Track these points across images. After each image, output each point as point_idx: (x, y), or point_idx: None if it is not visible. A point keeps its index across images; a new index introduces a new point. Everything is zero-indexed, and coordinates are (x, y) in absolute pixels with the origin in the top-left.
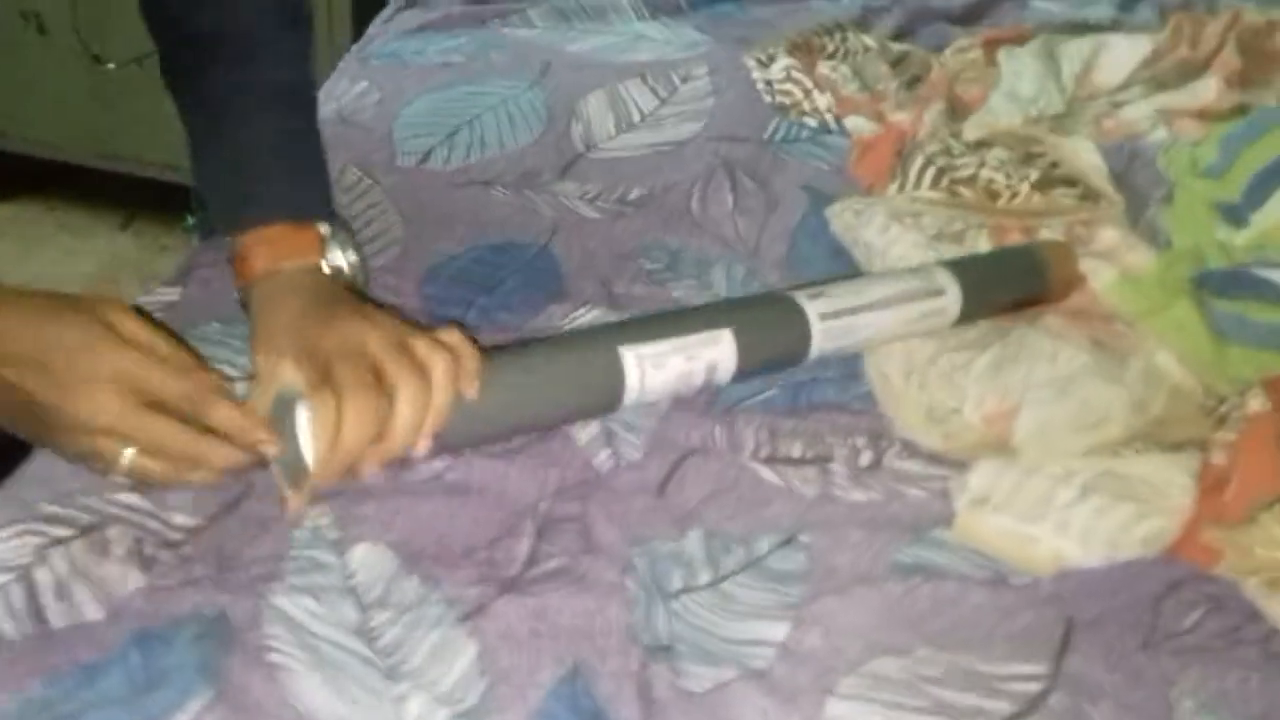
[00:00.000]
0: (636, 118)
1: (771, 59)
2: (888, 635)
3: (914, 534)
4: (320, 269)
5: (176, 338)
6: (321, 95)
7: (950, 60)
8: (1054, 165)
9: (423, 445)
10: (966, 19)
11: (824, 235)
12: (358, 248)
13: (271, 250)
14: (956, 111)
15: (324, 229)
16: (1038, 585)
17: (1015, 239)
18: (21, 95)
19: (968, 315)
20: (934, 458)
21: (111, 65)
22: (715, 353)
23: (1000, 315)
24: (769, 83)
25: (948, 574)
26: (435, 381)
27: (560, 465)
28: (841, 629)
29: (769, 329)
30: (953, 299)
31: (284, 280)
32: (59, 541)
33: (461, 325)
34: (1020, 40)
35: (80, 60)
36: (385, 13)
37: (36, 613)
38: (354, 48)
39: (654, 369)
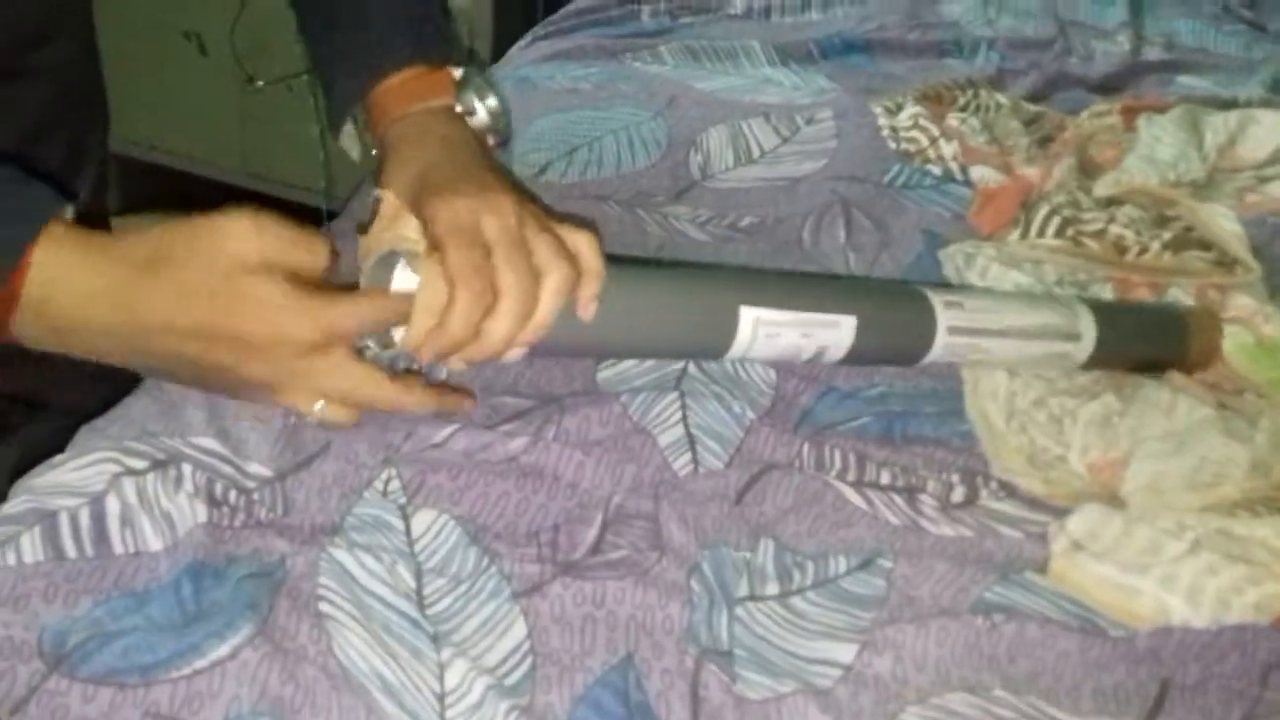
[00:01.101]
0: (757, 153)
1: (899, 107)
2: (963, 671)
3: (1003, 573)
4: (453, 111)
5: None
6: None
7: (1086, 123)
8: (1189, 229)
9: (515, 354)
10: (1106, 88)
11: (936, 276)
12: (499, 94)
13: (402, 92)
14: (1088, 171)
15: (457, 72)
16: (1134, 639)
17: (1141, 294)
18: (176, 111)
19: (1093, 363)
20: (1033, 502)
21: (261, 83)
22: (832, 336)
23: (1125, 370)
24: (894, 129)
25: (1035, 616)
26: (546, 291)
27: (638, 463)
28: (914, 658)
29: (895, 328)
30: (1086, 345)
31: (414, 124)
32: (133, 472)
33: (595, 227)
34: (1162, 110)
35: (234, 80)
36: (522, 41)
37: (100, 536)
38: (495, 65)
39: (767, 337)
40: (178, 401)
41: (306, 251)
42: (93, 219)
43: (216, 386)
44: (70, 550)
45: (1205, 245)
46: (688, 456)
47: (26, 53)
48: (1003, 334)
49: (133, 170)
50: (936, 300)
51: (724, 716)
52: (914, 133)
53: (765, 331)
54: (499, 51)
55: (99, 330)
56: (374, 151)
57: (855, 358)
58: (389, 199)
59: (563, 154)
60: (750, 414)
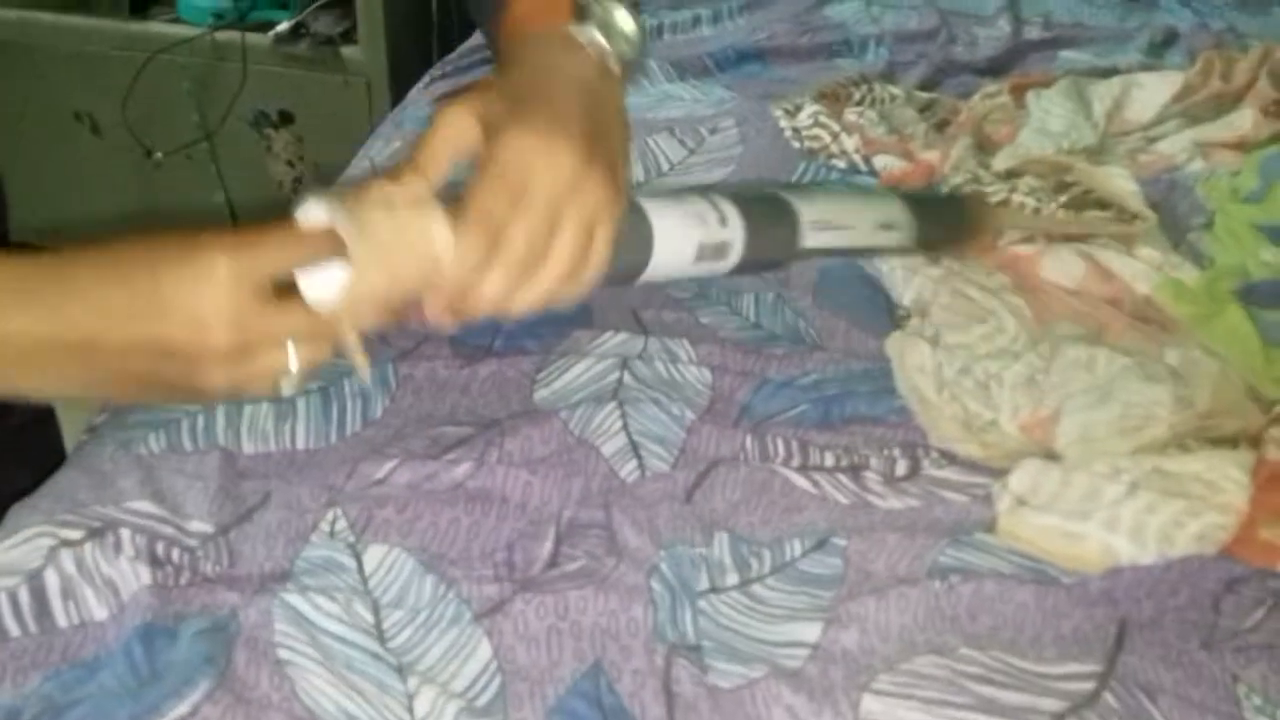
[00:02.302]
0: (665, 167)
1: (798, 108)
2: (927, 634)
3: (953, 537)
4: (568, 38)
5: None
6: (357, 156)
7: (978, 104)
8: (1087, 191)
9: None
10: (993, 71)
11: (853, 264)
12: (636, 18)
13: (519, 26)
14: (985, 148)
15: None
16: (1087, 584)
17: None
18: (75, 193)
19: (918, 248)
20: (973, 465)
21: (160, 155)
22: (728, 234)
23: (930, 250)
24: (796, 129)
25: (990, 574)
26: (539, 281)
27: (584, 475)
28: (879, 629)
29: (769, 221)
30: (910, 232)
31: (525, 45)
32: (69, 544)
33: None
34: (1049, 84)
35: (130, 155)
36: (421, 82)
37: (42, 611)
38: (390, 114)
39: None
40: (108, 470)
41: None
42: None
43: (181, 394)
44: (13, 629)
45: (1104, 205)
46: (633, 463)
47: None
48: (852, 226)
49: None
50: (794, 200)
51: (699, 708)
52: (815, 130)
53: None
54: (397, 96)
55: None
56: None
57: (749, 254)
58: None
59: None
60: (690, 414)
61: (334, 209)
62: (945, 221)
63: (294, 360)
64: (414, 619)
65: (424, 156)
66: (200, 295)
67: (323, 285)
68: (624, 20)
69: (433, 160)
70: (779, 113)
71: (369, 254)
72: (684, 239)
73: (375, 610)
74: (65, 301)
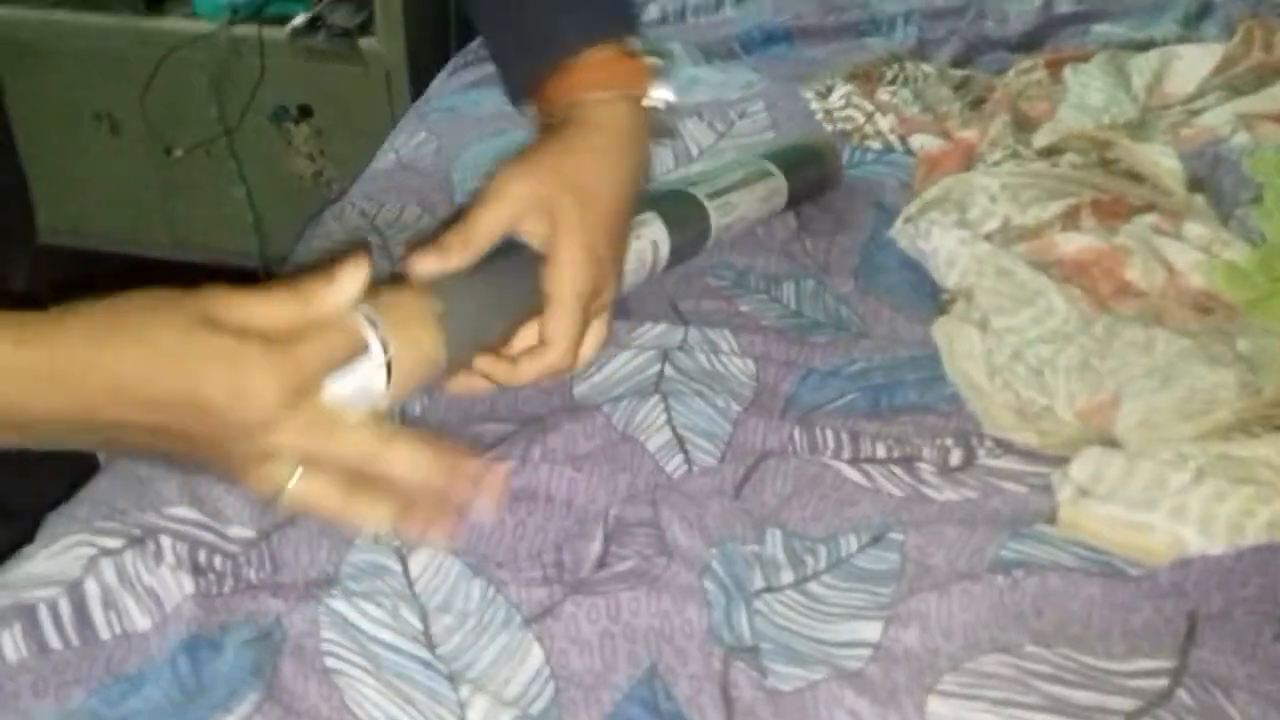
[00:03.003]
0: (695, 152)
1: (830, 89)
2: (992, 632)
3: (1014, 529)
4: (645, 102)
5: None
6: (382, 149)
7: (1013, 80)
8: (1129, 169)
9: None
10: (1026, 45)
11: (894, 246)
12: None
13: (599, 74)
14: (1023, 125)
15: (654, 60)
16: (1156, 576)
17: (1111, 223)
18: (96, 193)
19: (790, 203)
20: (1031, 454)
21: (179, 152)
22: (655, 231)
23: (803, 200)
24: (829, 111)
25: (1054, 568)
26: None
27: (631, 471)
28: (941, 627)
29: (680, 211)
30: (784, 187)
31: (603, 110)
32: (109, 552)
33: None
34: (1084, 60)
35: (150, 153)
36: (443, 72)
37: (84, 623)
38: (414, 105)
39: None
40: (146, 475)
41: (277, 303)
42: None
43: (188, 460)
44: (54, 642)
45: (1143, 182)
46: (680, 458)
47: None
48: (734, 187)
49: (58, 257)
50: (705, 200)
51: (758, 713)
52: (848, 111)
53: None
54: (417, 90)
55: (45, 416)
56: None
57: (676, 251)
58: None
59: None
60: (735, 407)
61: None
62: (810, 175)
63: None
64: (463, 624)
65: (475, 231)
66: (250, 412)
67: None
68: (664, 93)
69: (482, 234)
70: (810, 94)
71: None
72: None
73: (423, 616)
74: (97, 394)
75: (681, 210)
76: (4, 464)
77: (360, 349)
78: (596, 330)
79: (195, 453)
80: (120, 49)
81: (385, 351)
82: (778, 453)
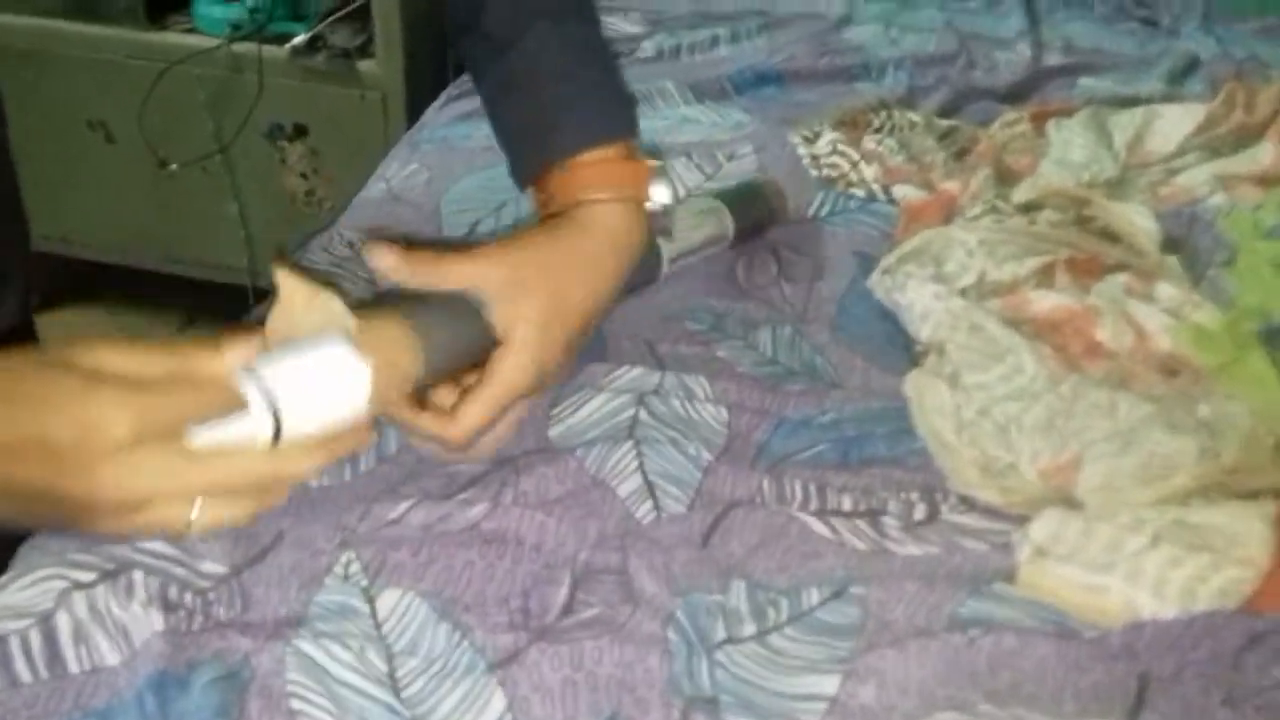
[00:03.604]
0: (682, 193)
1: (817, 135)
2: (947, 690)
3: (973, 587)
4: (643, 206)
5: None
6: (373, 177)
7: (998, 132)
8: (1105, 228)
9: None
10: (1013, 97)
11: (872, 296)
12: (672, 182)
13: (597, 175)
14: (1005, 179)
15: (654, 162)
16: (1108, 638)
17: (1085, 280)
18: (88, 202)
19: (736, 240)
20: (993, 511)
21: (174, 166)
22: None
23: (749, 236)
24: (815, 157)
25: (1010, 627)
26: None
27: (600, 517)
28: (897, 683)
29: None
30: (730, 233)
31: (597, 212)
32: (81, 586)
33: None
34: (1069, 114)
35: (145, 166)
36: (437, 102)
37: (53, 657)
38: (407, 133)
39: None
40: None
41: (146, 355)
42: (21, 328)
43: (52, 516)
44: (24, 675)
45: (1118, 241)
46: (649, 504)
47: None
48: (695, 250)
49: (49, 266)
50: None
51: None
52: (834, 159)
53: None
54: (413, 114)
55: None
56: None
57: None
58: (287, 281)
59: (490, 210)
60: (706, 454)
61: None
62: (755, 214)
63: (196, 510)
64: (428, 668)
65: (440, 270)
66: (93, 451)
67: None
68: (667, 190)
69: (445, 277)
70: (797, 139)
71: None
72: None
73: (389, 659)
74: None
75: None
76: None
77: (238, 408)
78: (508, 420)
79: (58, 507)
80: (119, 60)
81: (275, 417)
82: (746, 502)
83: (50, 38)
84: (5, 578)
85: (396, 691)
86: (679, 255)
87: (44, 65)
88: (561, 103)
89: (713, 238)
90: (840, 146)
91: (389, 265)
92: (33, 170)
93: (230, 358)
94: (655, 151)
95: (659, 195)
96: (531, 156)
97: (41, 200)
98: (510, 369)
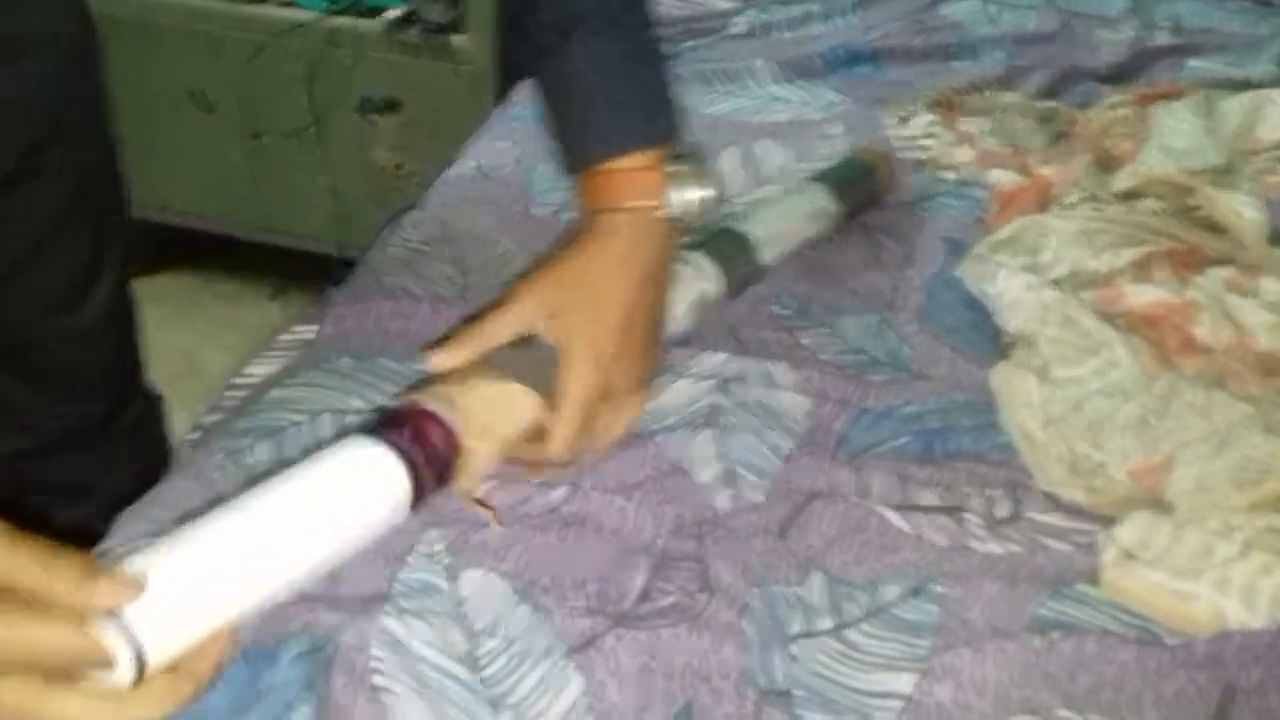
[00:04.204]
0: (769, 173)
1: (911, 116)
2: (1024, 692)
3: (1055, 588)
4: (658, 213)
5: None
6: (464, 154)
7: (1101, 115)
8: (1209, 218)
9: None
10: (1117, 78)
11: (961, 284)
12: (712, 180)
13: (610, 184)
14: (1106, 165)
15: (670, 168)
16: (1193, 646)
17: (1183, 273)
18: (184, 170)
19: (843, 219)
20: (1078, 511)
21: (268, 138)
22: (707, 284)
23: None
24: (908, 138)
25: (1092, 631)
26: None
27: (678, 503)
28: (974, 683)
29: (736, 257)
30: (832, 202)
31: (618, 222)
32: None
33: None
34: (1176, 96)
35: (240, 136)
36: (527, 79)
37: None
38: (496, 109)
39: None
40: (216, 480)
41: (22, 558)
42: (120, 294)
43: None
44: None
45: (1222, 232)
46: (729, 492)
47: (40, 151)
48: (794, 233)
49: (145, 232)
50: (748, 229)
51: None
52: (927, 140)
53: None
54: (505, 90)
55: None
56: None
57: (729, 289)
58: (528, 301)
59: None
60: (788, 443)
61: (437, 399)
62: (862, 190)
63: None
64: (507, 648)
65: (484, 332)
66: None
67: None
68: (698, 192)
69: (490, 336)
70: (891, 120)
71: (479, 430)
72: (675, 304)
73: (470, 637)
74: None
75: (733, 251)
76: (74, 445)
77: (101, 659)
78: (621, 410)
79: None
80: (220, 32)
81: (138, 664)
82: (826, 494)
83: (155, 9)
84: (103, 545)
85: (476, 670)
86: (780, 254)
87: (148, 36)
88: (605, 103)
89: (813, 222)
90: (935, 128)
91: (441, 361)
92: (134, 138)
93: (97, 599)
94: (696, 152)
95: (686, 198)
96: (573, 155)
97: (141, 167)
98: (574, 380)
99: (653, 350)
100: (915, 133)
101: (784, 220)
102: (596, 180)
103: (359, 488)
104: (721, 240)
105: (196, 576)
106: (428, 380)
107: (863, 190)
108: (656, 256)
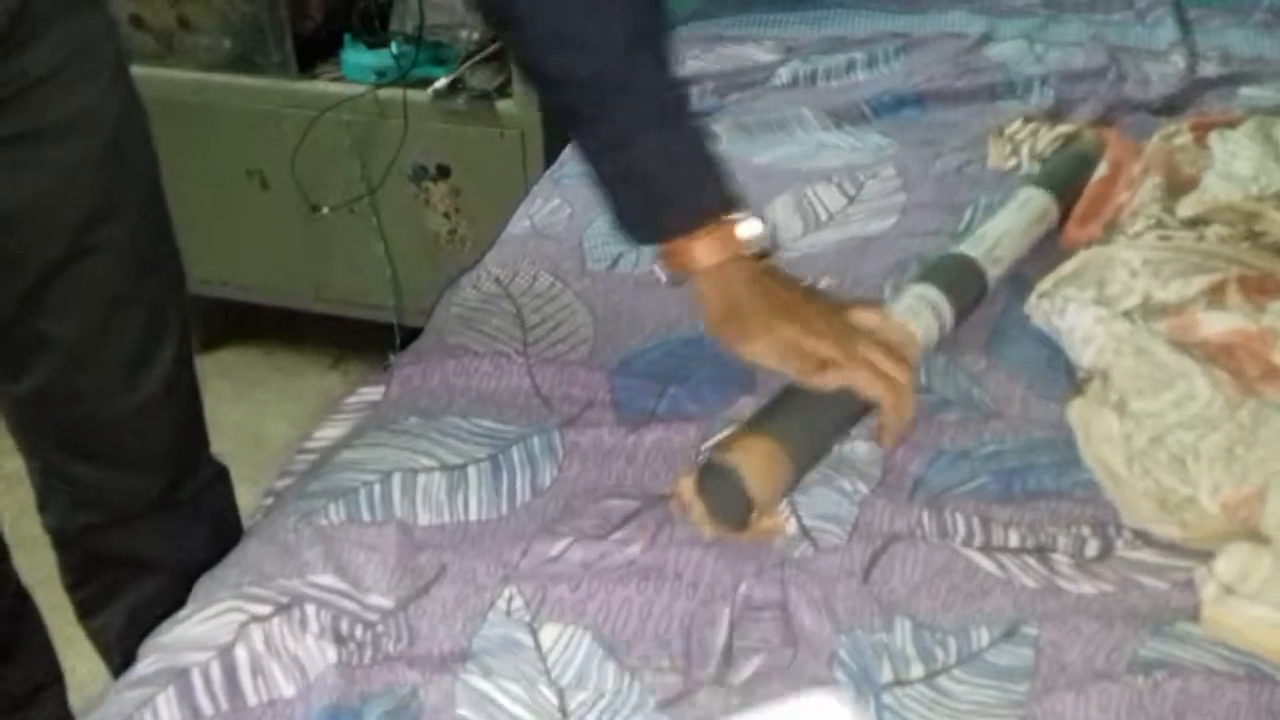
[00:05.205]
0: (824, 217)
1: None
2: None
3: (1154, 627)
4: (749, 259)
5: None
6: (517, 214)
7: (1159, 145)
8: (1278, 244)
9: None
10: (1169, 109)
11: (1028, 321)
12: (756, 212)
13: (703, 248)
14: (1174, 190)
15: (742, 230)
16: None
17: (1258, 299)
18: (244, 247)
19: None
20: (1172, 547)
21: (326, 210)
22: (934, 301)
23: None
24: (1010, 138)
25: (1197, 670)
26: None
27: (756, 555)
28: None
29: (960, 275)
30: (1050, 202)
31: (729, 273)
32: (258, 619)
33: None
34: (1232, 124)
35: (297, 210)
36: None
37: (233, 689)
38: (548, 171)
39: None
40: (291, 542)
41: None
42: (180, 368)
43: None
44: (206, 707)
45: None
46: (805, 543)
47: (93, 230)
48: (1017, 248)
49: (207, 307)
50: (978, 258)
51: None
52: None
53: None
54: (551, 152)
55: None
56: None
57: (960, 314)
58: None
59: (631, 244)
60: (862, 488)
61: None
62: (1077, 179)
63: None
64: (597, 702)
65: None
66: None
67: None
68: (756, 226)
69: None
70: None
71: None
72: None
73: (559, 693)
74: None
75: (959, 274)
76: (140, 517)
77: None
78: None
79: None
80: (274, 110)
81: None
82: (906, 536)
83: (209, 90)
84: (185, 611)
85: None
86: (1005, 269)
87: (206, 117)
88: (673, 194)
89: (1037, 227)
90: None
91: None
92: (194, 217)
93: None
94: (742, 198)
95: (752, 230)
96: (646, 234)
97: (202, 246)
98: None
99: (823, 306)
100: (1015, 130)
101: (1008, 235)
102: (680, 245)
103: None
104: (950, 268)
105: None
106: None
107: (1083, 181)
108: (752, 275)
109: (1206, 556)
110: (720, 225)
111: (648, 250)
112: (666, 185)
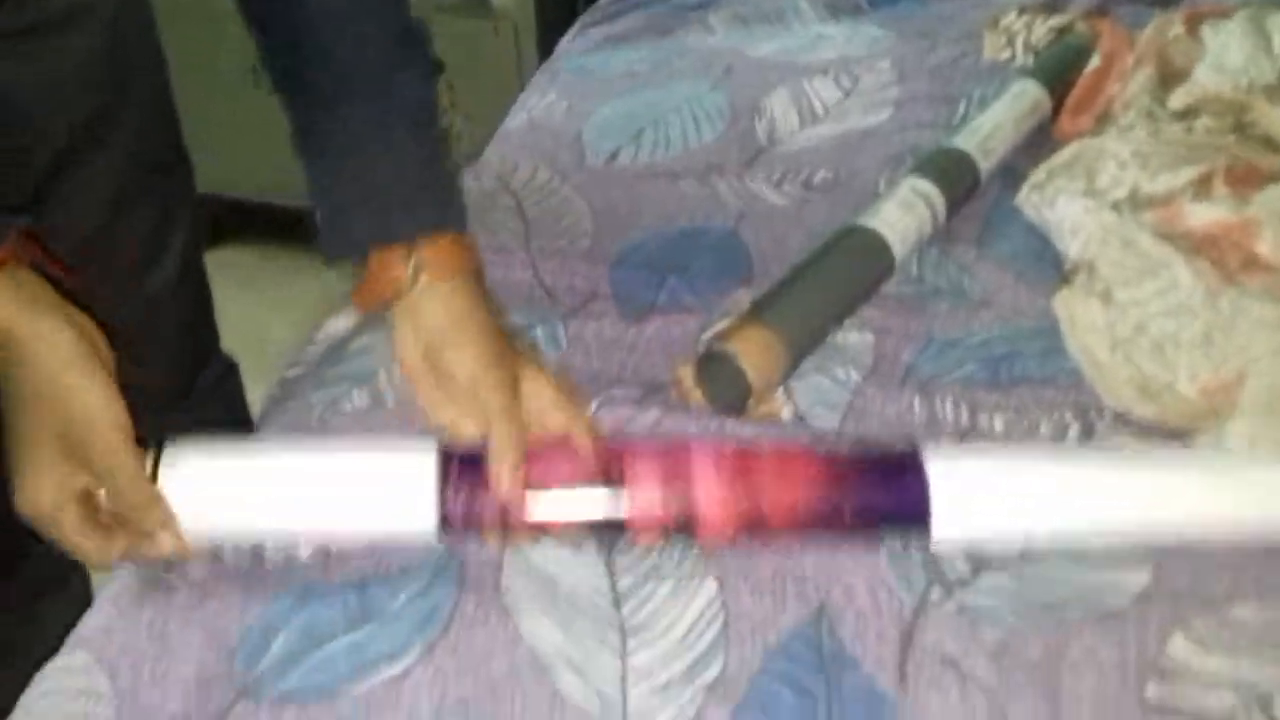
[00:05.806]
0: (820, 111)
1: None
2: None
3: None
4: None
5: None
6: (514, 108)
7: (1153, 38)
8: (1266, 136)
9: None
10: (1163, 1)
11: (1019, 213)
12: None
13: (443, 260)
14: (1167, 81)
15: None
16: None
17: (1244, 190)
18: (243, 144)
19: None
20: (1149, 428)
21: None
22: (926, 194)
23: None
24: (1005, 29)
25: None
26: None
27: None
28: None
29: (952, 167)
30: (1043, 95)
31: (458, 289)
32: None
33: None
34: (1225, 16)
35: None
36: (571, 32)
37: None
38: (543, 65)
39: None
40: (315, 429)
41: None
42: (189, 261)
43: None
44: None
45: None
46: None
47: (98, 126)
48: (1007, 139)
49: (212, 207)
50: (970, 150)
51: None
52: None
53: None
54: (545, 45)
55: None
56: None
57: (951, 205)
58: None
59: (630, 138)
60: (855, 375)
61: None
62: (1070, 71)
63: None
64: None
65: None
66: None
67: None
68: None
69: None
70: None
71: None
72: (907, 238)
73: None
74: None
75: (952, 167)
76: (155, 409)
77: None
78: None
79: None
80: None
81: None
82: (895, 422)
83: None
84: None
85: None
86: (997, 161)
87: (207, 15)
88: (399, 187)
89: (1028, 120)
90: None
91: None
92: (199, 116)
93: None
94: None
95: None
96: (364, 237)
97: (202, 143)
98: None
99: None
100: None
101: (1001, 128)
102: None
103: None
104: (942, 160)
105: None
106: None
107: (1076, 73)
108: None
109: (1183, 436)
110: (456, 241)
111: (646, 142)
112: (402, 187)
